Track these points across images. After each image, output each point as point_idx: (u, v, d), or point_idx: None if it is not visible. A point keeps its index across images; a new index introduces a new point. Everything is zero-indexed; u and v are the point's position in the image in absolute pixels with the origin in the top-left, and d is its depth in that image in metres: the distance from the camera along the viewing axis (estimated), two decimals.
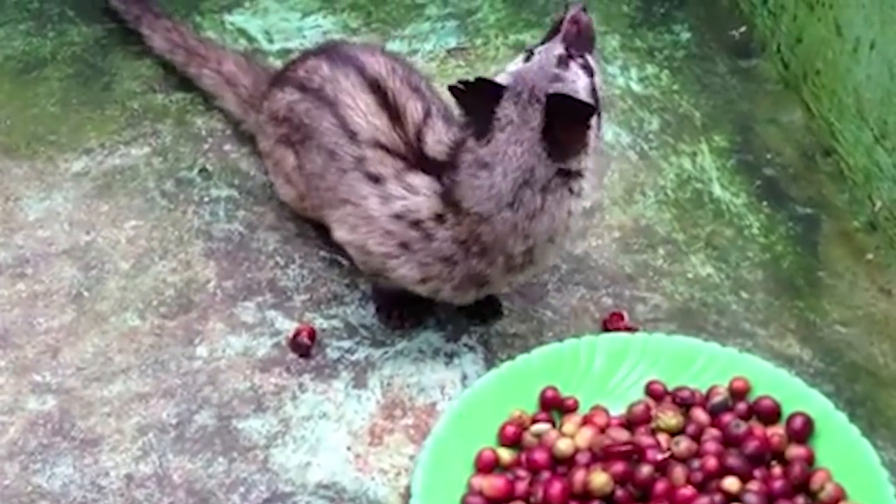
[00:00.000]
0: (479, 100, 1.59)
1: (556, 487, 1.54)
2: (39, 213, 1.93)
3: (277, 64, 2.12)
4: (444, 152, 1.66)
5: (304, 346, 1.76)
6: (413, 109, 1.70)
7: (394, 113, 1.70)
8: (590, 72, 1.63)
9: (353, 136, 1.70)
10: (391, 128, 1.69)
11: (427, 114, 1.70)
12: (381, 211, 1.66)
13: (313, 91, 1.77)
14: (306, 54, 1.89)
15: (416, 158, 1.67)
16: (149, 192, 1.97)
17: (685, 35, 2.28)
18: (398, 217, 1.65)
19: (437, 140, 1.67)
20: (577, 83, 1.60)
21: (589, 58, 1.64)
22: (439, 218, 1.63)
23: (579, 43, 1.63)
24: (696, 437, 1.61)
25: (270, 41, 2.22)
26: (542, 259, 1.66)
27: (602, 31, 2.26)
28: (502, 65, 2.17)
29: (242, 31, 2.23)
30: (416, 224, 1.64)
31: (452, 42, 2.24)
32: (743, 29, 2.28)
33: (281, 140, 1.83)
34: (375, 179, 1.67)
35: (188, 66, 2.07)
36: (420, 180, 1.65)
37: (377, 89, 1.72)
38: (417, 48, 2.20)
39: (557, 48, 1.62)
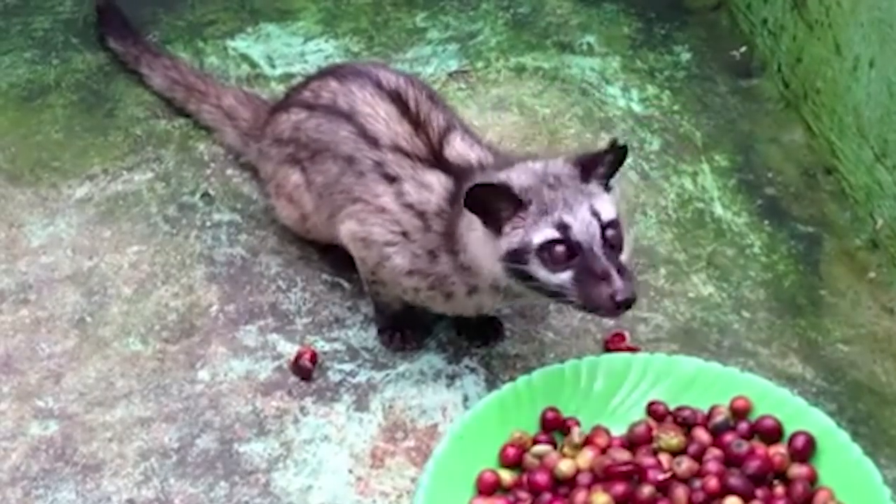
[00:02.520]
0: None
1: None
2: (43, 239, 1.94)
3: (280, 88, 2.14)
4: (468, 160, 1.69)
5: (305, 370, 1.76)
6: (436, 119, 1.73)
7: (415, 120, 1.73)
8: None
9: (374, 142, 1.72)
10: (413, 134, 1.71)
11: (449, 125, 1.73)
12: (394, 203, 1.69)
13: (323, 107, 1.79)
14: (307, 79, 1.92)
15: (435, 159, 1.69)
16: (151, 218, 1.98)
17: (686, 56, 2.28)
18: (408, 206, 1.68)
19: (461, 150, 1.70)
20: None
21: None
22: (441, 212, 1.66)
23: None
24: (698, 457, 1.61)
25: (273, 66, 2.23)
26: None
27: (603, 52, 2.28)
28: (504, 87, 2.20)
29: (245, 57, 2.25)
30: (421, 215, 1.67)
31: (454, 65, 2.25)
32: (743, 49, 2.28)
33: (285, 160, 1.84)
34: (392, 179, 1.70)
35: (188, 103, 2.09)
36: (435, 178, 1.68)
37: (397, 99, 1.75)
38: (419, 71, 2.21)
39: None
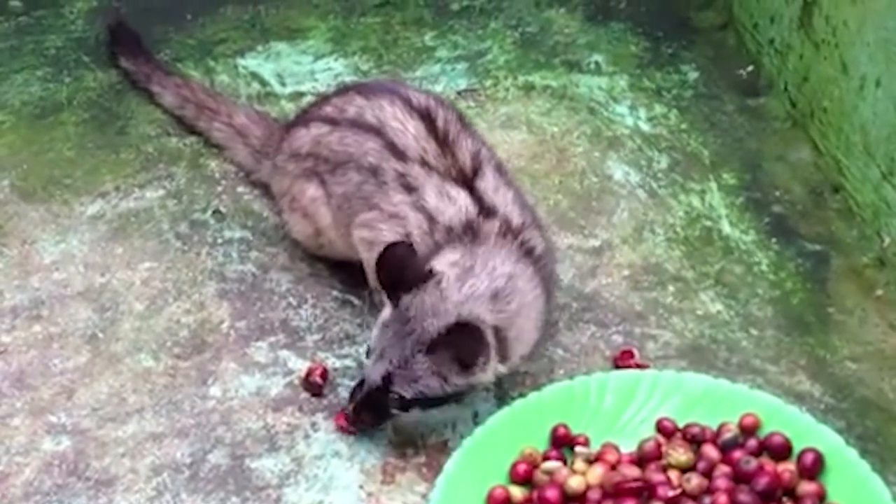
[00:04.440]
0: None
1: None
2: (55, 255, 1.95)
3: (290, 107, 2.15)
4: (497, 201, 1.69)
5: (316, 386, 1.77)
6: (466, 144, 1.73)
7: (443, 140, 1.73)
8: None
9: (401, 155, 1.73)
10: (440, 154, 1.72)
11: (479, 154, 1.73)
12: (409, 207, 1.70)
13: (348, 121, 1.80)
14: (326, 96, 1.93)
15: (463, 180, 1.70)
16: (163, 234, 1.99)
17: (693, 74, 2.30)
18: (421, 209, 1.69)
19: (494, 187, 1.71)
20: None
21: None
22: (450, 230, 1.66)
23: None
24: (707, 474, 1.61)
25: (283, 84, 2.25)
26: None
27: (611, 71, 2.29)
28: (512, 105, 2.21)
29: (255, 75, 2.26)
30: (431, 219, 1.68)
31: (463, 84, 2.26)
32: (750, 68, 2.29)
33: (303, 174, 1.85)
34: (412, 189, 1.71)
35: (198, 121, 2.11)
36: (460, 195, 1.68)
37: (426, 117, 1.75)
38: (428, 90, 2.23)
39: None
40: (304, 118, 1.91)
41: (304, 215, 1.86)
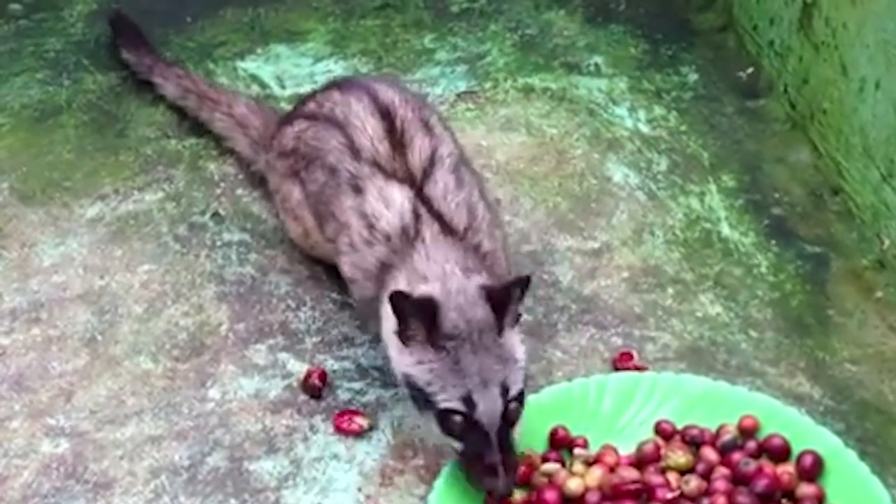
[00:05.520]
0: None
1: None
2: (54, 258, 1.95)
3: (289, 109, 2.15)
4: (444, 209, 1.67)
5: (315, 388, 1.77)
6: (421, 146, 1.72)
7: (398, 143, 1.72)
8: None
9: (356, 154, 1.73)
10: (391, 155, 1.71)
11: (434, 155, 1.72)
12: (354, 213, 1.69)
13: (323, 116, 1.81)
14: (315, 91, 1.95)
15: (410, 183, 1.68)
16: (162, 237, 1.99)
17: (693, 76, 2.30)
18: (363, 216, 1.68)
19: (443, 193, 1.68)
20: None
21: None
22: (388, 239, 1.65)
23: None
24: (706, 476, 1.61)
25: (282, 87, 2.25)
26: None
27: (610, 73, 2.29)
28: (512, 108, 2.21)
29: (255, 77, 2.26)
30: (370, 228, 1.67)
31: (462, 86, 2.26)
32: (750, 70, 2.29)
33: (287, 173, 1.86)
34: (358, 190, 1.70)
35: (200, 111, 2.11)
36: (399, 195, 1.67)
37: (386, 115, 1.75)
38: (427, 92, 2.23)
39: None
40: (292, 115, 1.92)
41: (294, 217, 1.87)
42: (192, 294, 1.90)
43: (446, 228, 1.65)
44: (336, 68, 2.29)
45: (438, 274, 1.60)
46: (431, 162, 1.71)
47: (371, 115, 1.75)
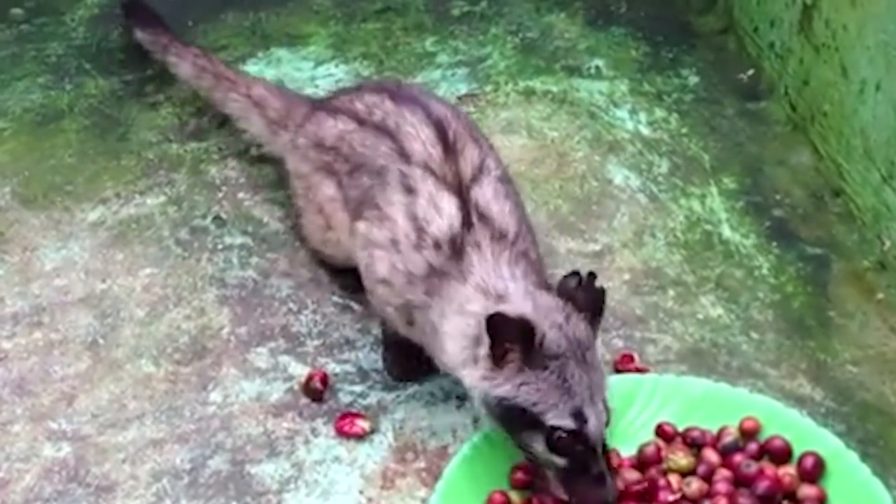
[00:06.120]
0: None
1: None
2: (56, 262, 1.96)
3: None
4: (491, 212, 1.66)
5: (316, 391, 1.77)
6: (471, 155, 1.71)
7: (450, 149, 1.71)
8: None
9: (406, 158, 1.71)
10: (444, 160, 1.70)
11: (483, 165, 1.71)
12: (402, 212, 1.67)
13: (373, 123, 1.79)
14: (363, 88, 1.91)
15: (458, 189, 1.67)
16: (163, 241, 1.99)
17: (693, 79, 2.30)
18: (413, 217, 1.66)
19: (491, 196, 1.68)
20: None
21: None
22: (437, 242, 1.63)
23: None
24: (708, 478, 1.61)
25: None
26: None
27: (611, 75, 2.29)
28: (513, 111, 2.21)
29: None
30: (419, 231, 1.65)
31: (463, 89, 2.26)
32: (751, 72, 2.30)
33: (322, 167, 1.84)
34: (411, 191, 1.68)
35: (215, 91, 2.09)
36: (450, 205, 1.65)
37: (439, 126, 1.74)
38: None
39: None
40: (333, 106, 1.88)
41: (319, 211, 1.85)
42: (194, 297, 1.91)
43: (497, 234, 1.64)
44: (337, 72, 2.29)
45: (511, 289, 1.58)
46: (480, 170, 1.70)
47: (425, 124, 1.74)
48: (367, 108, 1.82)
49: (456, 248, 1.62)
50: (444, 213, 1.65)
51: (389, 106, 1.80)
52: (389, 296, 1.68)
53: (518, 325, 1.51)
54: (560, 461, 1.53)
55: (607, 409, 1.54)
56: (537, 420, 1.52)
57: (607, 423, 1.54)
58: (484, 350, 1.54)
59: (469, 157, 1.71)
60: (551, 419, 1.51)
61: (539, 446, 1.53)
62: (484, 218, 1.64)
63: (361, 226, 1.73)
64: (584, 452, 1.52)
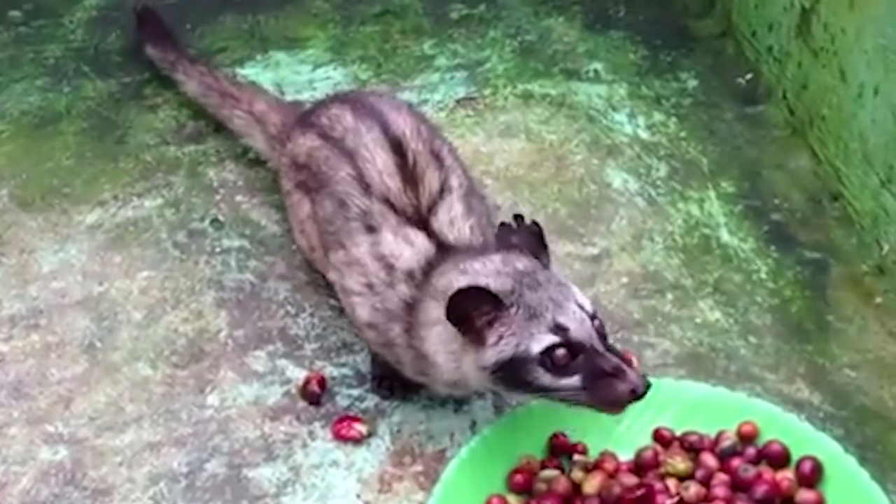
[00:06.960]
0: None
1: None
2: (53, 264, 1.96)
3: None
4: (453, 236, 1.66)
5: (314, 395, 1.77)
6: (431, 179, 1.70)
7: (409, 177, 1.70)
8: None
9: (366, 188, 1.71)
10: (402, 191, 1.69)
11: (443, 186, 1.70)
12: (368, 253, 1.67)
13: (334, 140, 1.78)
14: (332, 100, 1.91)
15: (420, 221, 1.67)
16: (161, 243, 1.99)
17: (692, 82, 2.30)
18: (380, 257, 1.66)
19: (450, 220, 1.68)
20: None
21: None
22: (410, 275, 1.63)
23: None
24: (706, 482, 1.61)
25: (282, 93, 2.24)
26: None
27: (610, 79, 2.29)
28: (511, 114, 2.21)
29: (254, 84, 2.26)
30: (389, 268, 1.65)
31: (461, 92, 2.26)
32: (749, 76, 2.29)
33: (299, 186, 1.84)
34: (372, 230, 1.68)
35: (221, 108, 2.10)
36: (417, 237, 1.65)
37: (398, 149, 1.73)
38: (427, 98, 2.23)
39: None
40: (306, 122, 1.88)
41: (301, 230, 1.86)
42: (192, 300, 1.90)
43: (464, 251, 1.64)
44: (336, 75, 2.29)
45: (454, 279, 1.58)
46: (441, 193, 1.69)
47: (382, 148, 1.73)
48: (329, 122, 1.82)
49: (426, 273, 1.62)
50: (408, 248, 1.65)
51: (349, 120, 1.79)
52: (377, 338, 1.69)
53: (464, 294, 1.50)
54: (575, 381, 1.50)
55: (586, 309, 1.52)
56: (528, 357, 1.51)
57: (594, 319, 1.52)
58: (460, 340, 1.54)
59: (428, 183, 1.70)
60: (535, 347, 1.50)
61: (548, 379, 1.51)
62: (448, 244, 1.64)
63: (334, 275, 1.74)
64: (586, 359, 1.50)
